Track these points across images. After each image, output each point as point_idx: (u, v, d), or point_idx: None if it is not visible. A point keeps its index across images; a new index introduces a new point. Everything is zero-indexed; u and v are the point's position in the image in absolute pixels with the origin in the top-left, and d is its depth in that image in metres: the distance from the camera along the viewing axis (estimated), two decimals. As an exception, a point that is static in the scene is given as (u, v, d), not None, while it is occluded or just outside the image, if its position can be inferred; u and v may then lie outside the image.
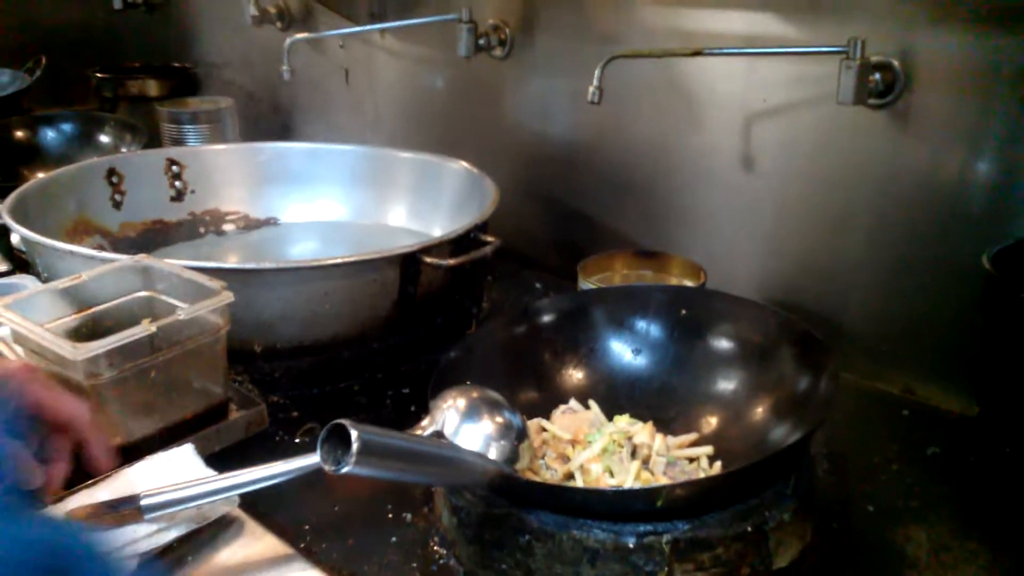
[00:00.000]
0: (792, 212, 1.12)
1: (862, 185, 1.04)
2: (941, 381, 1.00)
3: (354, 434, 0.51)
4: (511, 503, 0.67)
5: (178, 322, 0.75)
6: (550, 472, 0.75)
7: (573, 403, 0.84)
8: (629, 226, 1.30)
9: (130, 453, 0.75)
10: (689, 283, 1.06)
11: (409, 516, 0.79)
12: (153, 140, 1.67)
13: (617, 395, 0.86)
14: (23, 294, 0.80)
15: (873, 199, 1.04)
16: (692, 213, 1.23)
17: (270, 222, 1.41)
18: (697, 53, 1.05)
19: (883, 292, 1.05)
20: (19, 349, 0.78)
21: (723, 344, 0.84)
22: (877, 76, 0.98)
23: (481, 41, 1.37)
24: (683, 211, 1.24)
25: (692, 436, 0.80)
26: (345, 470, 0.51)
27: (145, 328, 0.73)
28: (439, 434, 0.70)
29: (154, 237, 1.33)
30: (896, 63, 0.97)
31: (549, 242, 1.41)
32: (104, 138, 1.73)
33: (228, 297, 0.78)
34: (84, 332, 0.81)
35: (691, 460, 0.77)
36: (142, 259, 0.86)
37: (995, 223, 0.94)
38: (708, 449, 0.78)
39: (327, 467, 0.52)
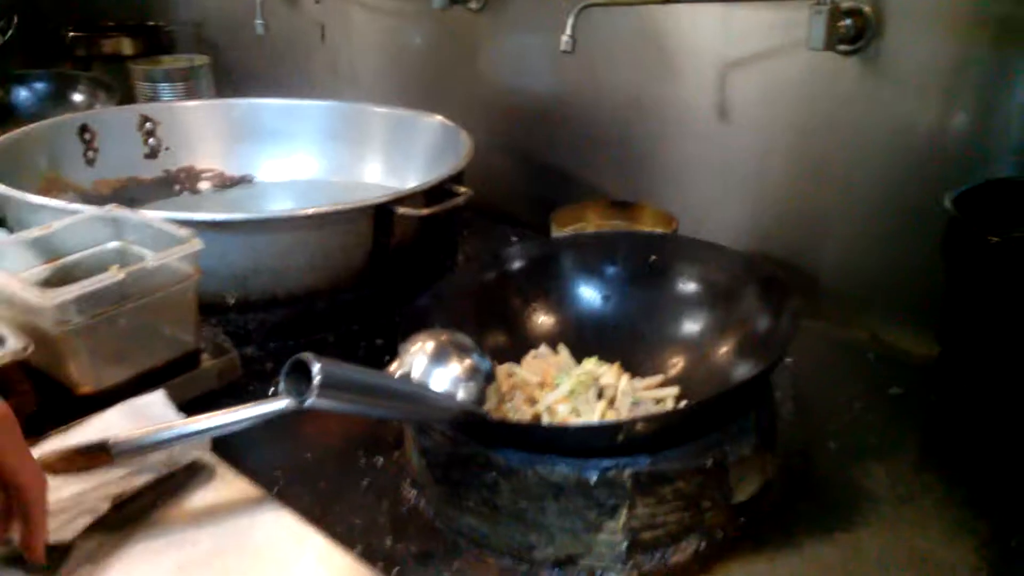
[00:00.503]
0: (766, 161, 1.12)
1: (835, 133, 1.05)
2: (909, 326, 1.01)
3: (315, 367, 0.52)
4: (476, 442, 0.68)
5: (146, 269, 0.76)
6: (518, 414, 0.77)
7: (543, 348, 0.85)
8: (604, 179, 1.31)
9: (101, 401, 0.76)
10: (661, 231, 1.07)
11: (381, 460, 0.81)
12: (128, 99, 1.65)
13: (587, 340, 0.87)
14: (-9, 244, 0.80)
15: (846, 147, 1.04)
16: (667, 164, 1.23)
17: (245, 179, 1.41)
18: (668, 0, 1.05)
19: (856, 239, 1.07)
20: (-11, 299, 0.78)
21: (690, 287, 0.86)
22: (848, 21, 0.98)
23: (455, -8, 1.36)
24: (658, 163, 1.24)
25: (658, 378, 0.81)
26: (308, 403, 0.52)
27: (113, 275, 0.73)
28: (407, 377, 0.71)
29: (128, 195, 1.32)
30: (866, 8, 0.97)
31: (525, 196, 1.42)
32: (78, 97, 1.71)
33: (197, 244, 0.78)
34: (54, 282, 0.81)
35: (658, 401, 0.79)
36: (112, 209, 0.86)
37: (966, 168, 0.94)
38: (674, 390, 0.79)
39: (290, 400, 0.53)
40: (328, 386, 0.53)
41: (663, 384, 0.81)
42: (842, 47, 1.00)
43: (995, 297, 0.81)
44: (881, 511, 0.74)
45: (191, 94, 1.66)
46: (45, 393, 0.77)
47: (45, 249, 0.84)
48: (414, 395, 0.63)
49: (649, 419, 0.66)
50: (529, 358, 0.83)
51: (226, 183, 1.39)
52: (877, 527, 0.72)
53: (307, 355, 0.53)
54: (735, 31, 1.10)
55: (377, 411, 0.62)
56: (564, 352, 0.84)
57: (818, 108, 1.06)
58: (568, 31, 1.07)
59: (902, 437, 0.84)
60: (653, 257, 0.88)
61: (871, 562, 0.69)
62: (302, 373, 0.53)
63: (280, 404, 0.70)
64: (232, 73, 1.90)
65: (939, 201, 0.88)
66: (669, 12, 1.15)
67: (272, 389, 0.91)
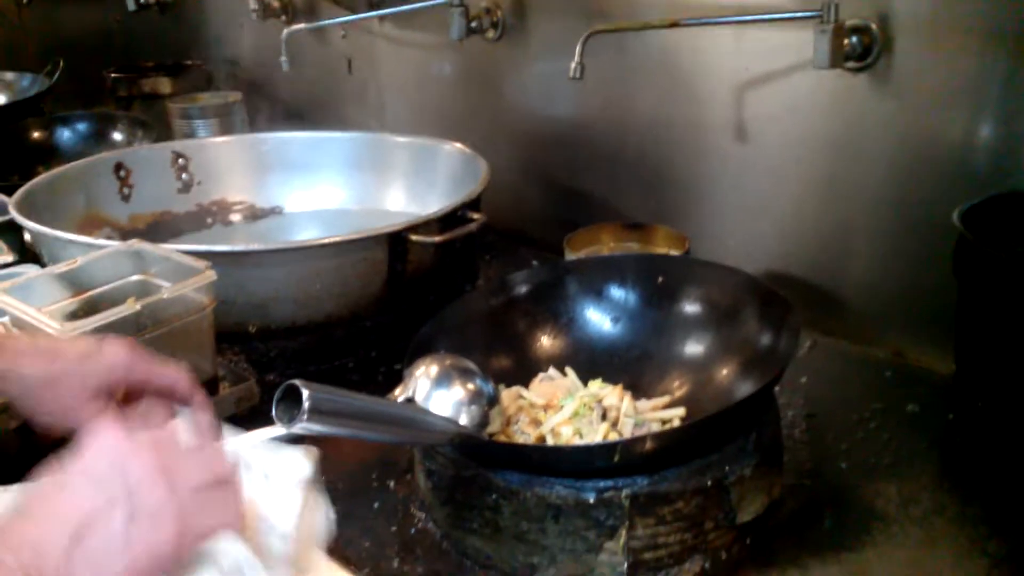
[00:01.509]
0: (780, 180, 1.12)
1: (849, 151, 1.05)
2: (929, 343, 1.00)
3: (305, 393, 0.54)
4: (479, 464, 0.69)
5: (162, 300, 0.79)
6: (524, 436, 0.77)
7: (551, 371, 0.86)
8: (622, 200, 1.32)
9: (123, 427, 0.79)
10: (674, 253, 1.07)
11: (392, 483, 0.82)
12: (166, 136, 1.72)
13: (596, 362, 0.88)
14: (20, 279, 0.84)
15: (861, 163, 1.04)
16: (684, 185, 1.24)
17: (275, 211, 1.45)
18: (674, 24, 1.06)
19: (874, 257, 1.06)
20: (16, 332, 0.82)
21: (694, 308, 0.86)
22: (854, 39, 0.98)
23: (473, 24, 1.39)
24: (675, 183, 1.25)
25: (664, 399, 0.81)
26: (297, 427, 0.54)
27: (130, 307, 0.77)
28: (410, 400, 0.72)
29: (162, 228, 1.37)
30: (874, 26, 0.97)
31: (545, 219, 1.43)
32: (117, 135, 1.78)
33: (211, 276, 0.81)
34: (80, 315, 0.84)
35: (664, 422, 0.79)
36: (135, 244, 0.90)
37: (983, 183, 0.93)
38: (680, 411, 0.79)
39: (281, 425, 0.55)
40: (318, 411, 0.55)
41: (669, 405, 0.81)
42: (850, 64, 1.00)
43: (1007, 313, 0.80)
44: (891, 531, 0.73)
45: (226, 129, 1.72)
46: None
47: (72, 283, 0.88)
48: (410, 419, 0.65)
49: (645, 439, 0.66)
50: (537, 381, 0.84)
51: (256, 215, 1.43)
52: (886, 547, 0.72)
53: (297, 381, 0.55)
54: (748, 52, 1.11)
55: (371, 435, 0.64)
56: (571, 375, 0.85)
57: (831, 126, 1.06)
58: (577, 58, 1.09)
59: (916, 456, 0.83)
60: (660, 279, 0.89)
61: (878, 583, 0.68)
62: (294, 399, 0.55)
63: (274, 431, 0.72)
64: (265, 107, 1.96)
65: (950, 215, 0.87)
66: (682, 36, 1.16)
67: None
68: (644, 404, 0.80)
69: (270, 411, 0.93)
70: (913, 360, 1.01)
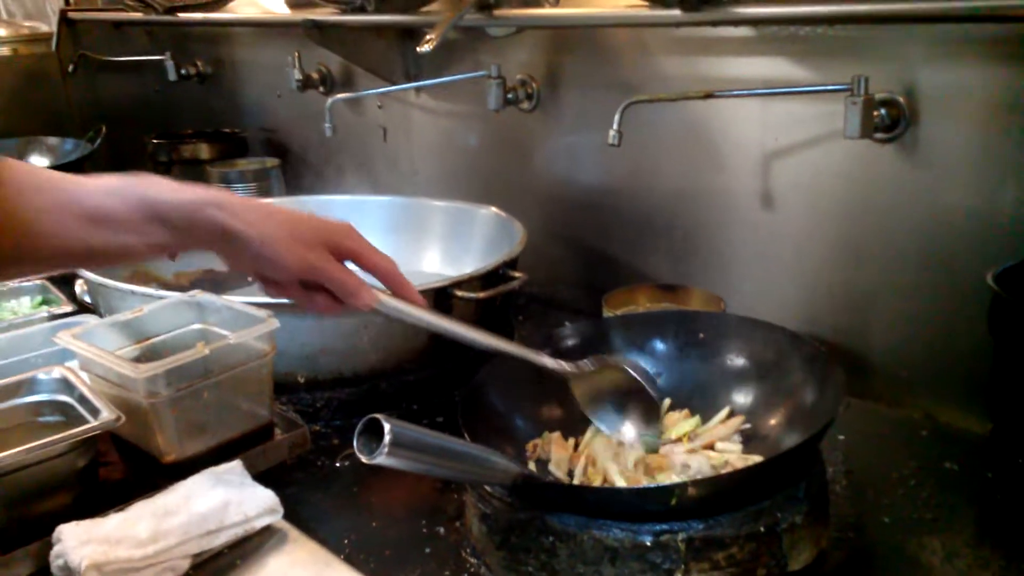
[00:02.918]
0: (809, 246, 1.16)
1: (876, 217, 1.09)
2: (961, 403, 1.02)
3: (387, 427, 0.57)
4: (535, 506, 0.71)
5: (228, 346, 0.82)
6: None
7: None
8: (653, 266, 1.36)
9: (184, 469, 0.81)
10: (710, 313, 1.10)
11: (442, 530, 0.84)
12: (204, 199, 1.77)
13: (640, 416, 0.90)
14: (89, 325, 0.88)
15: (887, 230, 1.08)
16: (714, 250, 1.28)
17: (313, 271, 1.48)
18: (709, 96, 1.12)
19: (902, 320, 1.09)
20: (85, 376, 0.85)
21: (738, 362, 0.89)
22: (883, 111, 1.03)
23: (510, 95, 1.45)
24: (705, 249, 1.29)
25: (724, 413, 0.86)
26: (378, 460, 0.57)
27: (199, 351, 0.80)
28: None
29: (205, 286, 1.40)
30: (901, 99, 1.03)
31: (577, 284, 1.47)
32: (159, 197, 1.84)
33: (274, 324, 0.85)
34: (143, 360, 0.87)
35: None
36: (196, 295, 0.94)
37: (1000, 247, 0.97)
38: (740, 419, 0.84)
39: (362, 456, 0.58)
40: (398, 444, 0.57)
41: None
42: (879, 135, 1.05)
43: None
44: (937, 583, 0.74)
45: (263, 193, 1.78)
46: (132, 462, 0.83)
47: (135, 331, 0.91)
48: (478, 457, 0.67)
49: (702, 483, 0.68)
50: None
51: (295, 274, 1.47)
52: (934, 599, 0.73)
53: (380, 416, 0.57)
54: (775, 123, 1.16)
55: (442, 471, 0.66)
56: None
57: (858, 194, 1.10)
58: (615, 126, 1.14)
59: (958, 511, 0.84)
60: (701, 335, 0.92)
61: (928, 633, 0.69)
62: (374, 432, 0.58)
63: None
64: (301, 174, 2.02)
65: (980, 279, 0.90)
66: (712, 106, 1.21)
67: (338, 464, 0.96)
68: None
69: (317, 460, 0.97)
70: (944, 421, 1.02)
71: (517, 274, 1.12)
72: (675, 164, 1.30)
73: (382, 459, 0.57)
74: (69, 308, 1.12)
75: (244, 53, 2.17)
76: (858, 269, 1.12)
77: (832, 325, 1.14)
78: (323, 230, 0.73)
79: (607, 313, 1.09)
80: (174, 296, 0.95)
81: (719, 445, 0.81)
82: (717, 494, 0.69)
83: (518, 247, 1.19)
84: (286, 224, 0.71)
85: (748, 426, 0.83)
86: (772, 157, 1.18)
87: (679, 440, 0.82)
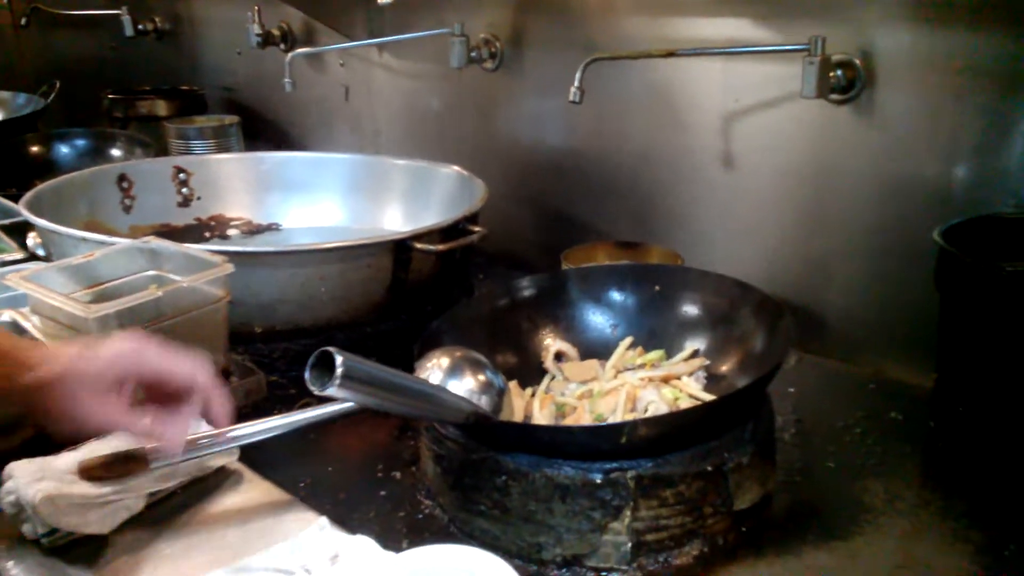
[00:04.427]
0: (768, 206, 1.18)
1: (833, 178, 1.11)
2: (909, 359, 1.05)
3: (339, 359, 0.57)
4: (489, 447, 0.72)
5: (181, 289, 0.82)
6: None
7: (566, 347, 0.90)
8: (614, 225, 1.37)
9: (137, 412, 0.80)
10: (667, 268, 1.12)
11: (398, 475, 0.85)
12: (163, 155, 1.74)
13: (596, 366, 0.91)
14: (39, 268, 0.87)
15: (843, 191, 1.10)
16: (673, 210, 1.29)
17: (272, 227, 1.48)
18: (671, 54, 1.12)
19: (856, 280, 1.11)
20: (35, 319, 0.84)
21: (692, 312, 0.90)
22: (839, 72, 1.05)
23: (473, 54, 1.45)
24: (665, 209, 1.30)
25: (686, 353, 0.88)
26: (329, 391, 0.57)
27: (151, 292, 0.79)
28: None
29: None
30: (857, 61, 1.04)
31: (539, 244, 1.48)
32: (115, 152, 1.81)
33: (228, 268, 0.84)
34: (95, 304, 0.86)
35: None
36: (150, 240, 0.93)
37: (952, 209, 0.99)
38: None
39: (314, 389, 0.58)
40: (349, 377, 0.57)
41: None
42: (834, 96, 1.06)
43: (987, 322, 0.85)
44: (879, 522, 0.77)
45: (222, 151, 1.75)
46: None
47: (87, 276, 0.90)
48: (431, 394, 0.67)
49: (650, 421, 0.69)
50: (565, 366, 0.90)
51: (254, 230, 1.46)
52: (874, 536, 0.75)
53: (332, 348, 0.58)
54: (737, 84, 1.17)
55: (394, 406, 0.66)
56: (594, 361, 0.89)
57: (816, 155, 1.12)
58: (576, 83, 1.14)
59: (901, 458, 0.87)
60: (657, 287, 0.93)
61: (868, 568, 0.72)
62: (326, 366, 0.58)
63: (302, 416, 0.75)
64: (260, 133, 1.99)
65: (929, 239, 0.93)
66: (675, 68, 1.22)
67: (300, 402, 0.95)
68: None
69: (274, 409, 0.96)
70: (892, 376, 1.05)
71: (477, 228, 1.12)
72: (638, 125, 1.30)
73: (333, 390, 0.57)
74: (19, 255, 1.09)
75: (203, 9, 2.13)
76: (815, 229, 1.14)
77: (790, 283, 1.16)
78: (95, 372, 0.64)
79: (566, 267, 1.10)
80: (126, 242, 0.94)
81: (684, 379, 0.83)
82: (666, 433, 0.70)
83: (479, 203, 1.20)
84: (60, 376, 0.64)
85: (708, 363, 0.85)
86: (733, 118, 1.19)
87: (642, 367, 0.84)
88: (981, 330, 0.85)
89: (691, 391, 0.82)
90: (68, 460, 0.72)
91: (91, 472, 0.72)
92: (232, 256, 0.95)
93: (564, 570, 0.71)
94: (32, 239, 1.22)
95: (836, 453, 0.87)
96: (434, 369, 0.77)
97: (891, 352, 1.08)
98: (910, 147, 1.03)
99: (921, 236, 1.00)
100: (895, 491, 0.81)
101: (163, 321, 0.81)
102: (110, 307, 0.76)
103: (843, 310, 1.13)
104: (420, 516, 0.78)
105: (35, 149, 1.80)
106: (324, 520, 0.72)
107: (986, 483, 0.81)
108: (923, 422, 0.93)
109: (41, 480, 0.69)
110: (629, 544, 0.70)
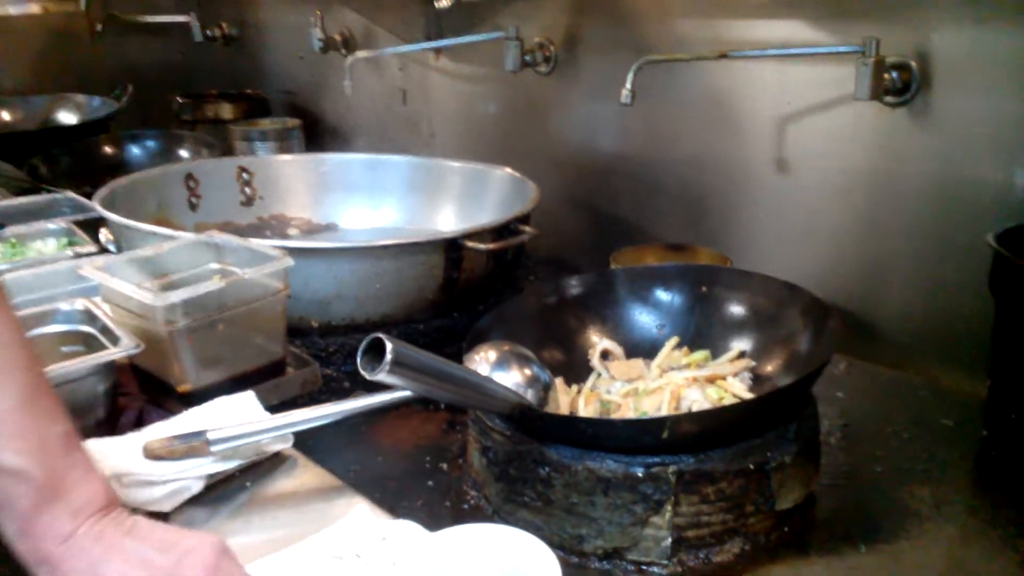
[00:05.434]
0: (821, 211, 1.17)
1: (887, 182, 1.10)
2: (964, 367, 1.03)
3: (389, 346, 0.59)
4: (534, 438, 0.74)
5: (243, 281, 0.85)
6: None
7: (612, 345, 0.91)
8: (666, 229, 1.37)
9: (199, 398, 0.85)
10: (716, 271, 1.12)
11: (445, 466, 0.87)
12: (228, 156, 1.81)
13: (643, 365, 0.92)
14: (111, 258, 0.91)
15: (898, 195, 1.09)
16: (724, 214, 1.29)
17: (330, 227, 1.52)
18: (723, 56, 1.13)
19: (906, 286, 1.10)
20: (106, 307, 0.89)
21: (738, 312, 0.91)
22: (894, 74, 1.04)
23: (527, 58, 1.47)
24: (716, 212, 1.30)
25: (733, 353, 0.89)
26: (379, 376, 0.59)
27: (216, 283, 0.83)
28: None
29: (225, 237, 1.45)
30: (912, 63, 1.03)
31: (590, 247, 1.49)
32: (184, 152, 1.88)
33: (288, 261, 0.88)
34: (162, 295, 0.91)
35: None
36: (214, 234, 0.97)
37: (1009, 213, 0.98)
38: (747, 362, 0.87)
39: (365, 373, 0.60)
40: (399, 363, 0.60)
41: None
42: (889, 99, 1.05)
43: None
44: (924, 527, 0.76)
45: (284, 152, 1.80)
46: (149, 391, 0.87)
47: (156, 268, 0.94)
48: (478, 384, 0.69)
49: (692, 416, 0.70)
50: (611, 364, 0.91)
51: (313, 229, 1.50)
52: (919, 540, 0.75)
53: (383, 335, 0.60)
54: (790, 87, 1.17)
55: (442, 394, 0.68)
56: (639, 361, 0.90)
57: (870, 159, 1.11)
58: (628, 85, 1.15)
59: (950, 464, 0.86)
60: (704, 287, 0.94)
61: (912, 572, 0.71)
62: (377, 352, 0.61)
63: (357, 403, 0.78)
64: (321, 135, 2.05)
65: (984, 244, 0.91)
66: (728, 71, 1.22)
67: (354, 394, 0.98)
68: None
69: (328, 400, 1.00)
70: (945, 384, 1.04)
71: (528, 229, 1.14)
72: (690, 129, 1.31)
73: (383, 376, 0.59)
74: (93, 248, 1.15)
75: (268, 15, 2.20)
76: (870, 234, 1.13)
77: (843, 289, 1.16)
78: None
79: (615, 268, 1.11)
80: (192, 236, 0.98)
81: (729, 379, 0.84)
82: (708, 429, 0.71)
83: (530, 204, 1.22)
84: None
85: (754, 364, 0.86)
86: (786, 121, 1.19)
87: (687, 367, 0.85)
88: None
89: (735, 391, 0.82)
90: (135, 440, 0.76)
91: (156, 452, 0.76)
92: (291, 251, 0.99)
93: (605, 562, 0.72)
94: (104, 234, 1.28)
95: (883, 458, 0.87)
96: (481, 362, 0.79)
97: (946, 359, 1.06)
98: (968, 150, 1.02)
99: (978, 241, 0.98)
100: (943, 497, 0.80)
101: (226, 311, 0.85)
102: (176, 296, 0.80)
103: (897, 317, 1.12)
104: (465, 506, 0.80)
105: (108, 150, 1.88)
106: (371, 506, 0.74)
107: (1038, 492, 0.80)
108: (975, 429, 0.92)
109: (109, 457, 0.73)
110: (670, 539, 0.71)
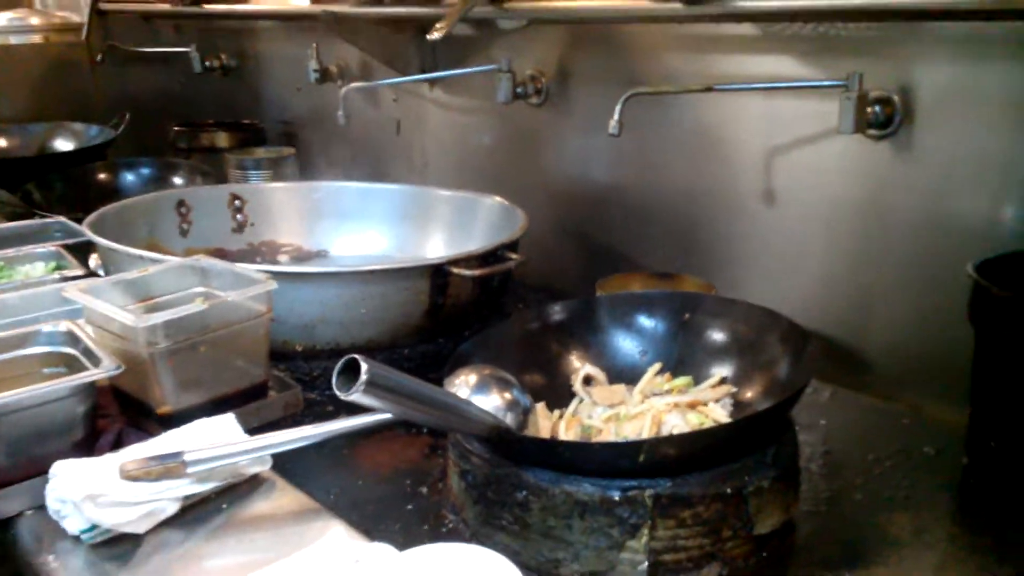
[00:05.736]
0: (808, 242, 1.18)
1: (873, 214, 1.11)
2: (947, 397, 1.03)
3: (364, 367, 0.59)
4: (512, 461, 0.74)
5: (226, 304, 0.86)
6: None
7: (595, 371, 0.91)
8: (653, 258, 1.38)
9: (179, 420, 0.84)
10: (701, 299, 1.12)
11: (425, 490, 0.87)
12: (221, 184, 1.82)
13: (624, 391, 0.93)
14: (95, 281, 0.92)
15: (883, 228, 1.10)
16: (712, 245, 1.30)
17: (321, 253, 1.53)
18: (709, 89, 1.14)
19: (892, 317, 1.11)
20: (89, 329, 0.89)
21: (719, 338, 0.91)
22: (877, 108, 1.05)
23: (519, 90, 1.49)
24: (704, 243, 1.31)
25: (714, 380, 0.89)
26: (353, 396, 0.59)
27: (198, 306, 0.83)
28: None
29: (215, 263, 1.45)
30: (895, 96, 1.05)
31: (578, 276, 1.49)
32: (177, 180, 1.90)
33: (271, 285, 0.88)
34: (146, 317, 0.91)
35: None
36: (200, 259, 0.97)
37: (995, 244, 0.98)
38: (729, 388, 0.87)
39: (340, 394, 0.60)
40: (373, 384, 0.60)
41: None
42: (873, 132, 1.07)
43: (1019, 358, 0.84)
44: (904, 554, 0.76)
45: (279, 179, 1.82)
46: (129, 413, 0.86)
47: (140, 291, 0.95)
48: (455, 406, 0.70)
49: (670, 440, 0.70)
50: (593, 389, 0.91)
51: (303, 256, 1.51)
52: (899, 568, 0.74)
53: (358, 356, 0.60)
54: (777, 120, 1.18)
55: (418, 416, 0.68)
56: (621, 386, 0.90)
57: (856, 191, 1.12)
58: (616, 116, 1.16)
59: (931, 492, 0.86)
60: (686, 315, 0.94)
61: (890, 599, 0.71)
62: (353, 372, 0.61)
63: (335, 425, 0.78)
64: (316, 164, 2.07)
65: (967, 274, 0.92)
66: (716, 104, 1.24)
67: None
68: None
69: (311, 423, 1.00)
70: (929, 413, 1.04)
71: (514, 255, 1.15)
72: (679, 160, 1.32)
73: (357, 396, 0.59)
74: (80, 272, 1.16)
75: (266, 47, 2.22)
76: (855, 265, 1.14)
77: (829, 319, 1.16)
78: None
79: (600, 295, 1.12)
80: (177, 260, 0.99)
81: (711, 405, 0.84)
82: (686, 453, 0.71)
83: (518, 231, 1.22)
84: None
85: (735, 390, 0.86)
86: (773, 153, 1.20)
87: (669, 392, 0.85)
88: (1014, 364, 0.84)
89: (716, 417, 0.82)
90: (111, 461, 0.76)
91: (131, 474, 0.76)
92: (277, 275, 0.99)
93: (581, 587, 0.71)
94: (94, 260, 1.28)
95: (864, 485, 0.87)
96: (461, 385, 0.79)
97: (930, 389, 1.06)
98: (951, 183, 1.03)
99: (961, 272, 0.99)
100: (923, 525, 0.80)
101: (207, 334, 0.85)
102: (158, 317, 0.81)
103: (882, 347, 1.13)
104: (443, 529, 0.80)
105: (102, 176, 1.89)
106: (348, 529, 0.74)
107: (1017, 519, 0.80)
108: (956, 457, 0.91)
109: (83, 478, 0.72)
110: (646, 563, 0.70)
